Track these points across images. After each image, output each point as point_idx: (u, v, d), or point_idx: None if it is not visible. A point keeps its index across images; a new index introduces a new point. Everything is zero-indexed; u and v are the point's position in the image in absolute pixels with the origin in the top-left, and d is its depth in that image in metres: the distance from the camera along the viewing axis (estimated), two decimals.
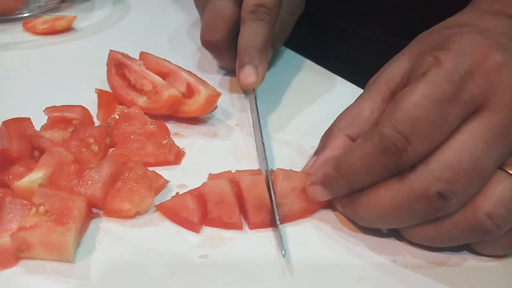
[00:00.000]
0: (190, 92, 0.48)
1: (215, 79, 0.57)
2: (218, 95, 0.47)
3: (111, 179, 0.38)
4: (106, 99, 0.49)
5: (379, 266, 0.34)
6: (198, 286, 0.32)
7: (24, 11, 0.70)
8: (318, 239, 0.36)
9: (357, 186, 0.34)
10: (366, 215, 0.34)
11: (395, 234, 0.36)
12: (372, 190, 0.34)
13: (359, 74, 0.54)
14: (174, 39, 0.67)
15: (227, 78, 0.57)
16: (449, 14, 0.41)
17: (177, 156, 0.43)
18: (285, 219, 0.37)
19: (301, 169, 0.40)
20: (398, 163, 0.32)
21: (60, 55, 0.62)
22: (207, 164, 0.43)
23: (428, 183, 0.31)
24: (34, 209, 0.34)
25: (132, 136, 0.44)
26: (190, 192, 0.37)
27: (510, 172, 0.31)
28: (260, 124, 0.45)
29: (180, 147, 0.45)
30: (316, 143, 0.40)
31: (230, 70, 0.57)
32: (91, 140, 0.42)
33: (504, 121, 0.31)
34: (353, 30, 0.68)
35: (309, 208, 0.38)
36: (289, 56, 0.63)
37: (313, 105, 0.53)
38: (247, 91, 0.53)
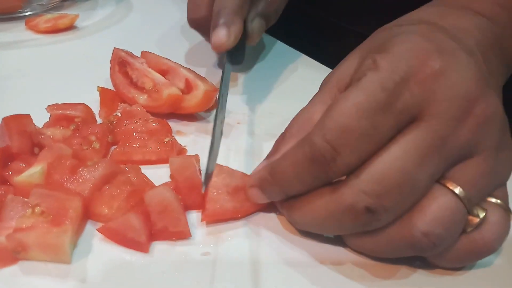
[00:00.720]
0: (188, 88, 0.48)
1: (217, 77, 0.56)
2: (216, 90, 0.47)
3: (103, 180, 0.37)
4: (108, 97, 0.49)
5: (380, 264, 0.34)
6: (200, 283, 0.32)
7: (27, 10, 0.70)
8: (318, 237, 0.36)
9: (291, 192, 0.33)
10: (300, 220, 0.33)
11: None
12: (306, 197, 0.32)
13: None
14: (176, 38, 0.67)
15: (231, 78, 0.57)
16: None
17: (179, 154, 0.43)
18: (216, 217, 0.36)
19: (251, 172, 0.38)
20: (327, 173, 0.30)
21: (62, 54, 0.61)
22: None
23: (356, 197, 0.29)
24: (30, 210, 0.33)
25: (134, 134, 0.44)
26: (133, 210, 0.35)
27: (449, 187, 0.30)
28: (224, 102, 0.42)
29: (182, 145, 0.45)
30: None
31: (231, 71, 0.57)
32: (93, 138, 0.42)
33: (439, 133, 0.29)
34: (350, 28, 0.68)
35: (242, 209, 0.37)
36: (285, 51, 0.62)
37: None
38: (223, 60, 0.51)
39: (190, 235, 0.35)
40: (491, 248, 0.31)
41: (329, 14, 0.70)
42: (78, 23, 0.69)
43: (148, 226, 0.34)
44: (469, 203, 0.30)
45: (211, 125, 0.48)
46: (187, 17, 0.53)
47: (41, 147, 0.40)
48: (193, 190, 0.37)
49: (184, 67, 0.50)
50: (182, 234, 0.35)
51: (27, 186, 0.36)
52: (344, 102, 0.29)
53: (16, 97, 0.52)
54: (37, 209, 0.33)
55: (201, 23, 0.53)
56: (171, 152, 0.42)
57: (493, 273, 0.34)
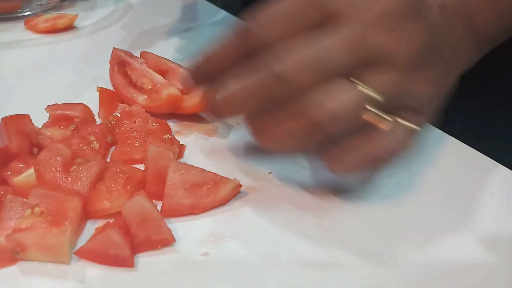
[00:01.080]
0: (188, 88, 0.48)
1: None
2: None
3: (97, 177, 0.37)
4: (107, 97, 0.49)
5: (381, 263, 0.34)
6: (199, 284, 0.32)
7: (26, 10, 0.70)
8: (318, 238, 0.36)
9: (216, 68, 0.36)
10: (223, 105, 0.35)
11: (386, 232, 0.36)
12: (228, 78, 0.35)
13: None
14: (176, 38, 0.67)
15: None
16: None
17: (179, 151, 0.43)
18: (173, 212, 0.37)
19: None
20: (253, 46, 0.33)
21: (61, 54, 0.61)
22: (208, 162, 0.42)
23: (272, 63, 0.32)
24: (29, 210, 0.33)
25: (132, 133, 0.43)
26: (109, 225, 0.34)
27: (358, 85, 0.32)
28: None
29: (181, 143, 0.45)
30: None
31: None
32: (92, 138, 0.42)
33: (360, 30, 0.31)
34: None
35: (200, 205, 0.37)
36: None
37: None
38: None
39: (175, 240, 0.34)
40: (385, 155, 0.34)
41: None
42: (77, 23, 0.69)
43: (129, 238, 0.33)
44: (371, 102, 0.32)
45: (211, 125, 0.48)
46: None
47: (40, 147, 0.40)
48: (159, 182, 0.37)
49: (183, 67, 0.50)
50: (166, 241, 0.34)
51: (26, 187, 0.36)
52: None
53: (15, 97, 0.52)
54: (37, 210, 0.33)
55: None
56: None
57: (492, 273, 0.34)
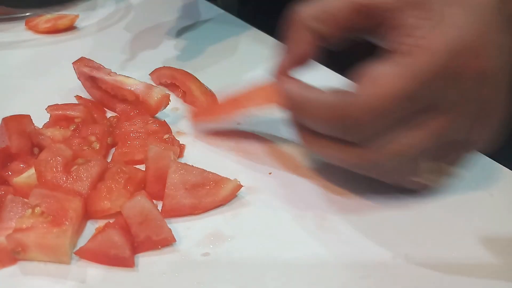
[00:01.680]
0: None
1: (216, 78, 0.56)
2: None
3: (98, 177, 0.37)
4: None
5: (381, 264, 0.34)
6: (200, 284, 0.32)
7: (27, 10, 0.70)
8: (318, 238, 0.36)
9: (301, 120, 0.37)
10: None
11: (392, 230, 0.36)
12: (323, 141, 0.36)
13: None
14: (176, 38, 0.67)
15: (228, 78, 0.57)
16: None
17: (179, 151, 0.43)
18: (173, 212, 0.37)
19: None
20: (344, 136, 0.34)
21: (62, 54, 0.61)
22: (208, 162, 0.42)
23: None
24: (29, 210, 0.33)
25: (131, 134, 0.44)
26: (109, 225, 0.34)
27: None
28: None
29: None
30: None
31: (230, 71, 0.57)
32: (93, 138, 0.42)
33: (448, 124, 0.33)
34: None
35: (200, 205, 0.37)
36: None
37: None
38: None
39: (175, 240, 0.34)
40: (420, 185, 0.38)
41: None
42: (78, 23, 0.69)
43: (129, 238, 0.33)
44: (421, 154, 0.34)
45: (211, 125, 0.48)
46: None
47: (40, 147, 0.40)
48: (159, 182, 0.37)
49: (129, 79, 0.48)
50: (166, 241, 0.34)
51: (26, 187, 0.36)
52: (382, 79, 0.32)
53: (16, 97, 0.52)
54: (37, 210, 0.33)
55: None
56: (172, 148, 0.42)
57: (492, 273, 0.34)
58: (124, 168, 0.38)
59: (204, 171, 0.38)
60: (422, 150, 0.34)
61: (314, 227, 0.37)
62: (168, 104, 0.47)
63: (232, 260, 0.34)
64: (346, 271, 0.33)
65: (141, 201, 0.34)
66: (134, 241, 0.34)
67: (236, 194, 0.39)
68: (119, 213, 0.35)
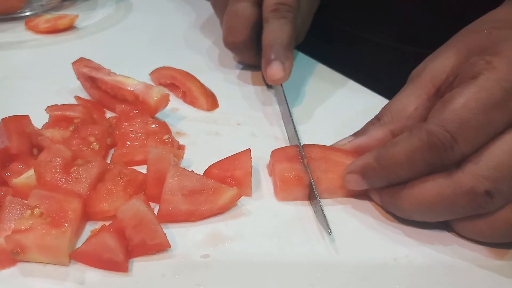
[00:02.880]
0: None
1: (216, 79, 0.56)
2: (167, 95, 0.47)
3: (98, 179, 0.37)
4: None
5: (382, 265, 0.34)
6: (200, 285, 0.32)
7: (26, 10, 0.70)
8: (318, 239, 0.36)
9: (395, 179, 0.35)
10: (408, 207, 0.35)
11: (395, 233, 0.36)
12: (417, 183, 0.34)
13: (370, 82, 0.54)
14: (176, 38, 0.66)
15: (229, 79, 0.57)
16: (463, 22, 0.41)
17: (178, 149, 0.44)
18: (169, 218, 0.36)
19: (333, 144, 0.41)
20: (442, 160, 0.33)
21: (62, 54, 0.61)
22: (208, 163, 0.42)
23: (476, 181, 0.32)
24: (29, 211, 0.33)
25: (131, 135, 0.43)
26: (104, 229, 0.33)
27: None
28: (291, 114, 0.46)
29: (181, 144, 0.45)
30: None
31: (229, 71, 0.57)
32: (92, 139, 0.42)
33: None
34: (365, 37, 0.68)
35: (197, 212, 0.36)
36: (302, 60, 0.62)
37: (326, 107, 0.52)
38: (275, 86, 0.53)
39: (170, 246, 0.34)
40: None
41: (344, 23, 0.70)
42: (77, 23, 0.69)
43: (124, 243, 0.33)
44: None
45: (211, 126, 0.48)
46: (223, 40, 0.54)
47: (40, 148, 0.40)
48: (159, 184, 0.37)
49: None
50: (161, 246, 0.34)
51: (26, 188, 0.36)
52: (462, 97, 0.33)
53: (15, 97, 0.52)
54: (36, 211, 0.33)
55: (239, 46, 0.54)
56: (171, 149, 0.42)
57: (492, 273, 0.33)
58: (124, 170, 0.38)
59: (203, 177, 0.37)
60: None
61: (314, 228, 0.37)
62: (168, 104, 0.47)
63: (232, 261, 0.34)
64: (346, 272, 0.33)
65: (136, 204, 0.33)
66: (128, 245, 0.33)
67: (236, 203, 0.38)
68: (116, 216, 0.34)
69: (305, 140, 0.45)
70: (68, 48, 0.63)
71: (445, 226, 0.36)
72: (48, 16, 0.68)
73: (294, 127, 0.44)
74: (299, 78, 0.57)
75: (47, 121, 0.45)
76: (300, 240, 0.36)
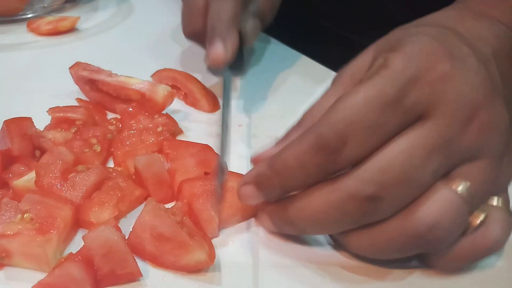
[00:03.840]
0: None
1: (217, 81, 0.56)
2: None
3: (94, 187, 0.36)
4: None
5: (380, 265, 0.34)
6: (200, 287, 0.32)
7: (28, 12, 0.70)
8: (318, 239, 0.36)
9: (290, 187, 0.32)
10: (297, 220, 0.32)
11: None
12: (304, 194, 0.32)
13: None
14: (177, 40, 0.66)
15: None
16: None
17: (176, 135, 0.46)
18: (136, 251, 0.33)
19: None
20: (332, 163, 0.30)
21: (63, 56, 0.61)
22: None
23: (358, 185, 0.29)
24: (19, 216, 0.33)
25: (132, 131, 0.44)
26: (70, 257, 0.31)
27: (452, 185, 0.30)
28: (229, 107, 0.43)
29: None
30: None
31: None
32: (94, 141, 0.42)
33: (444, 133, 0.29)
34: (358, 40, 0.68)
35: (160, 260, 0.33)
36: (285, 52, 0.62)
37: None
38: (218, 71, 0.51)
39: (141, 275, 0.32)
40: (491, 248, 0.31)
41: (336, 26, 0.70)
42: (79, 25, 0.69)
43: (92, 272, 0.31)
44: (471, 203, 0.30)
45: (212, 127, 0.48)
46: (183, 30, 0.53)
47: (42, 150, 0.40)
48: (162, 185, 0.37)
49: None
50: (131, 276, 0.31)
51: (25, 191, 0.36)
52: (353, 96, 0.30)
53: (17, 99, 0.52)
54: (26, 216, 0.33)
55: (198, 35, 0.52)
56: (170, 136, 0.44)
57: (494, 275, 0.33)
58: (123, 184, 0.37)
59: (178, 226, 0.33)
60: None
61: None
62: (173, 101, 0.47)
63: (231, 262, 0.34)
64: (346, 273, 0.33)
65: (105, 231, 0.31)
66: (97, 275, 0.31)
67: (203, 268, 0.33)
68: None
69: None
70: (69, 50, 0.63)
71: None
72: (49, 18, 0.68)
73: (227, 127, 0.41)
74: (279, 69, 0.57)
75: (49, 123, 0.45)
76: (299, 242, 0.35)
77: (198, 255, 0.32)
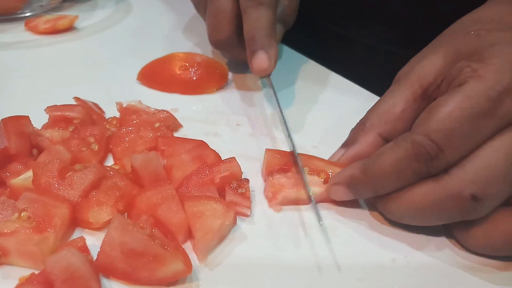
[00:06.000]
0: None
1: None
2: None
3: (91, 186, 0.36)
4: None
5: (380, 266, 0.34)
6: (199, 287, 0.32)
7: (26, 11, 0.70)
8: (317, 240, 0.36)
9: (383, 190, 0.35)
10: (396, 210, 0.35)
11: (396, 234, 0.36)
12: (406, 188, 0.34)
13: (362, 84, 0.54)
14: (175, 39, 0.66)
15: (229, 79, 0.57)
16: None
17: (175, 130, 0.46)
18: (107, 271, 0.32)
19: (328, 158, 0.40)
20: (428, 169, 0.33)
21: (61, 55, 0.61)
22: None
23: (462, 185, 0.31)
24: (16, 214, 0.33)
25: (130, 128, 0.44)
26: (30, 280, 0.30)
27: None
28: (283, 116, 0.46)
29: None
30: (319, 144, 0.40)
31: (230, 72, 0.57)
32: (92, 139, 0.42)
33: None
34: (357, 39, 0.68)
35: (134, 277, 0.31)
36: (287, 53, 0.62)
37: (319, 106, 0.52)
38: (264, 81, 0.52)
39: None
40: None
41: (335, 25, 0.70)
42: (77, 24, 0.69)
43: None
44: None
45: (211, 126, 0.48)
46: (209, 39, 0.53)
47: (39, 148, 0.40)
48: (159, 183, 0.37)
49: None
50: None
51: (22, 189, 0.35)
52: (448, 106, 0.32)
53: (15, 98, 0.52)
54: (24, 214, 0.33)
55: (225, 43, 0.53)
56: (168, 131, 0.44)
57: (492, 275, 0.33)
58: (120, 183, 0.37)
59: (148, 239, 0.31)
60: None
61: (313, 229, 0.37)
62: None
63: (230, 262, 0.34)
64: (345, 274, 0.33)
65: (67, 255, 0.29)
66: None
67: (181, 277, 0.32)
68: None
69: (297, 138, 0.45)
70: (67, 48, 0.63)
71: (442, 228, 0.36)
72: (48, 16, 0.68)
73: (288, 131, 0.43)
74: (290, 74, 0.57)
75: (47, 121, 0.45)
76: (299, 241, 0.36)
77: (174, 266, 0.31)
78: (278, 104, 0.47)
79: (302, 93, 0.54)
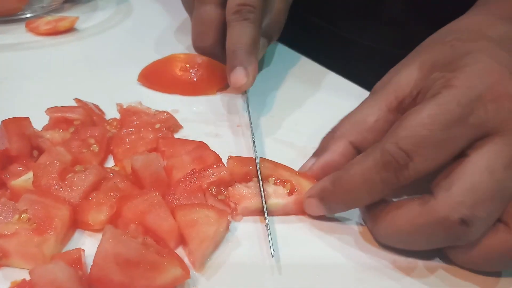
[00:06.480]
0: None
1: None
2: None
3: (92, 187, 0.36)
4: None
5: (378, 266, 0.34)
6: None
7: (27, 12, 0.70)
8: (314, 240, 0.36)
9: (355, 204, 0.34)
10: (384, 233, 0.34)
11: None
12: (392, 209, 0.33)
13: (360, 84, 0.54)
14: (176, 40, 0.67)
15: None
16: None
17: (175, 131, 0.46)
18: (101, 285, 0.31)
19: (299, 169, 0.40)
20: (398, 179, 0.32)
21: (62, 56, 0.61)
22: None
23: (449, 208, 0.30)
24: (16, 216, 0.33)
25: (131, 129, 0.44)
26: (21, 286, 0.30)
27: None
28: (251, 124, 0.46)
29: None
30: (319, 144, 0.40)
31: None
32: (92, 141, 0.42)
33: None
34: (355, 40, 0.68)
35: (132, 287, 0.31)
36: (286, 53, 0.62)
37: (316, 105, 0.52)
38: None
39: None
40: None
41: (333, 25, 0.70)
42: (78, 25, 0.69)
43: None
44: None
45: (212, 127, 0.48)
46: (193, 45, 0.53)
47: (40, 150, 0.40)
48: (159, 184, 0.37)
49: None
50: None
51: (23, 191, 0.36)
52: (418, 114, 0.31)
53: (16, 99, 0.52)
54: (24, 216, 0.33)
55: (208, 51, 0.53)
56: (169, 132, 0.44)
57: (491, 275, 0.33)
58: (121, 184, 0.37)
59: (143, 248, 0.31)
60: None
61: (312, 229, 0.37)
62: None
63: (230, 262, 0.34)
64: (343, 274, 0.33)
65: (54, 269, 0.28)
66: None
67: (180, 283, 0.32)
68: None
69: (297, 138, 0.45)
70: (68, 50, 0.63)
71: None
72: (48, 18, 0.68)
73: (253, 137, 0.43)
74: (287, 72, 0.57)
75: (47, 123, 0.45)
76: (298, 241, 0.36)
77: (173, 272, 0.31)
78: (249, 112, 0.47)
79: (300, 91, 0.55)
